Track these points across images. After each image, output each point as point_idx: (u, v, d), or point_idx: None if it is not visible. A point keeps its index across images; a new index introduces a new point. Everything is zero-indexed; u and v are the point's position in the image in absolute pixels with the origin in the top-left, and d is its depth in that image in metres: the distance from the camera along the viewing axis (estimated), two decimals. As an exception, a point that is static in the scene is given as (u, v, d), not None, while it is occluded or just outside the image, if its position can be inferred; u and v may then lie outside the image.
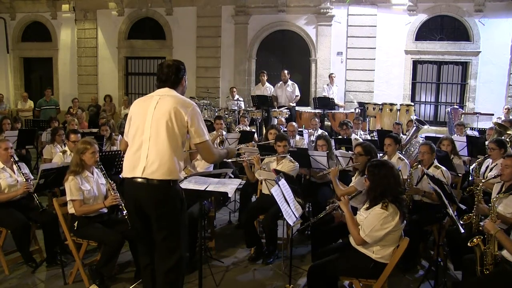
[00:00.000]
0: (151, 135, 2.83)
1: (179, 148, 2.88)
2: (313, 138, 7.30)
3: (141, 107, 2.94)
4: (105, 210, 4.01)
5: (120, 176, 4.90)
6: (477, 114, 10.83)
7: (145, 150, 2.82)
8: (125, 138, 3.12)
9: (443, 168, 4.45)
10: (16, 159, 4.36)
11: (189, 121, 2.85)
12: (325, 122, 10.27)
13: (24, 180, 4.19)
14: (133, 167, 2.84)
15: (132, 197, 2.90)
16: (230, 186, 3.43)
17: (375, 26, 11.79)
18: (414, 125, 6.79)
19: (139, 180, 2.81)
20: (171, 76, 2.94)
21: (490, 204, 3.38)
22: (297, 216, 3.57)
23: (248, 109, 10.34)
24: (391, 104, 10.79)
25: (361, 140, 6.41)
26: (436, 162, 4.52)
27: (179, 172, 2.89)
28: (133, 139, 2.92)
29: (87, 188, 3.88)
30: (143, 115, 2.88)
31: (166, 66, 2.96)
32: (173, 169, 2.82)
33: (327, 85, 11.33)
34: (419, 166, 4.41)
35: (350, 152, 5.29)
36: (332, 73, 11.42)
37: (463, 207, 3.82)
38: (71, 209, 3.84)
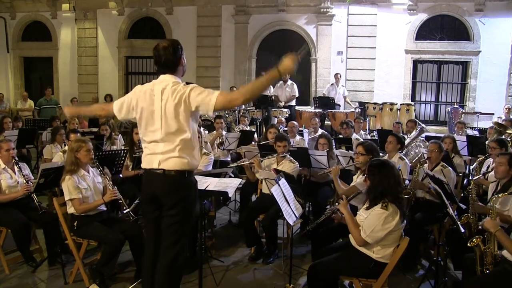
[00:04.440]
0: (162, 127, 2.80)
1: (192, 137, 2.84)
2: (313, 136, 7.30)
3: (145, 100, 2.87)
4: (104, 208, 4.01)
5: (120, 175, 4.93)
6: (478, 114, 10.82)
7: (160, 142, 2.83)
8: (114, 105, 3.10)
9: (449, 168, 4.46)
10: (17, 159, 4.36)
11: (193, 103, 2.74)
12: (325, 122, 10.27)
13: (25, 181, 4.18)
14: (150, 159, 2.87)
15: (149, 187, 2.91)
16: (230, 186, 3.43)
17: (375, 25, 11.79)
18: (419, 126, 6.71)
19: (156, 171, 2.83)
20: (169, 59, 2.83)
21: (489, 204, 3.37)
22: (297, 216, 3.56)
23: (248, 108, 10.34)
24: (391, 104, 10.80)
25: (362, 140, 6.40)
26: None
27: (195, 163, 2.89)
28: (145, 132, 2.91)
29: (84, 187, 3.87)
30: (151, 107, 2.84)
31: (162, 48, 2.84)
32: (187, 160, 2.82)
33: (331, 85, 11.29)
34: (425, 164, 4.43)
35: (350, 151, 5.29)
36: (338, 73, 11.33)
37: (464, 206, 3.82)
38: (70, 209, 3.84)
